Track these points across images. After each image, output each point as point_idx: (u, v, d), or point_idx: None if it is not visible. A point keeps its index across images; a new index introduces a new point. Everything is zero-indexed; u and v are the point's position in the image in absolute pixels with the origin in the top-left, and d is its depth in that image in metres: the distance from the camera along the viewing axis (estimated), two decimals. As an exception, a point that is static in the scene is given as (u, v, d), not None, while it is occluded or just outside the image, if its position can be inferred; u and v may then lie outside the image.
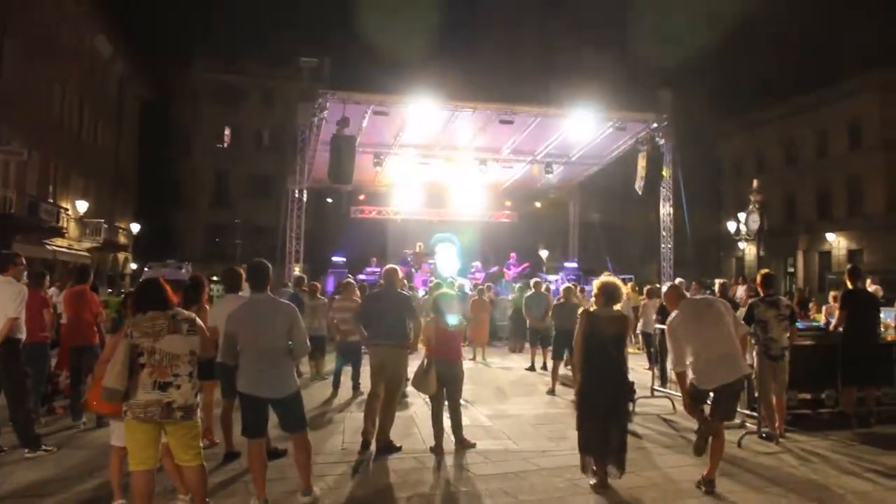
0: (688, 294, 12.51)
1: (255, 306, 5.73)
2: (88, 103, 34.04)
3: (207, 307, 7.34)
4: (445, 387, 7.50)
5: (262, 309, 5.67)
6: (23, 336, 7.50)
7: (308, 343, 5.75)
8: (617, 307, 6.47)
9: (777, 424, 7.91)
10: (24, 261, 7.88)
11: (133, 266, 41.61)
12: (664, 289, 7.28)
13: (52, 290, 12.32)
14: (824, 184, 39.90)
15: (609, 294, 6.32)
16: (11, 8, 24.99)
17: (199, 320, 5.19)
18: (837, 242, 38.43)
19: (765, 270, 8.49)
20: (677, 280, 14.20)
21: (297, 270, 20.82)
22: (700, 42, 46.91)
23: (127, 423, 4.88)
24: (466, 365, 14.81)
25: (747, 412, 8.40)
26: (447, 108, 20.10)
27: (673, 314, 6.43)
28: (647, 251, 35.97)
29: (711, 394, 6.14)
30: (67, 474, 6.51)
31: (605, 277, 6.53)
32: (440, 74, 35.61)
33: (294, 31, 58.32)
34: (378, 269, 23.94)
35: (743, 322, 6.98)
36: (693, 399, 6.18)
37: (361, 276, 22.16)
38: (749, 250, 39.56)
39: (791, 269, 41.88)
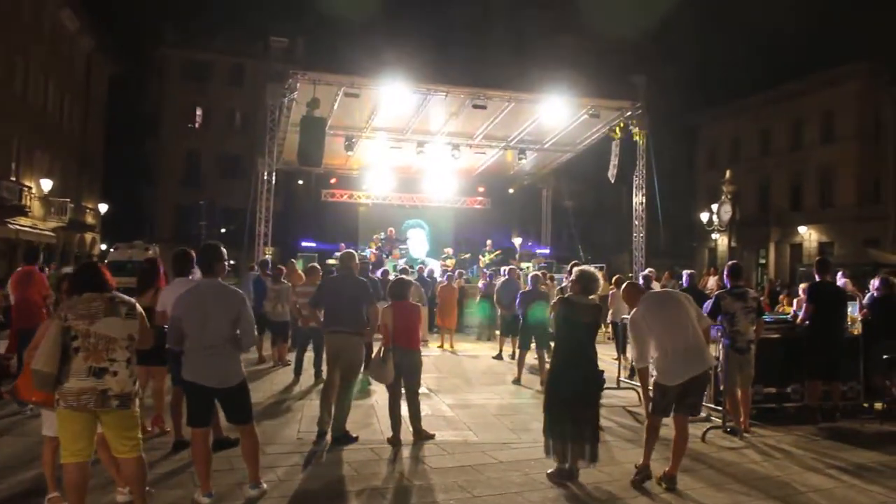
0: (657, 285, 12.52)
1: (202, 291, 5.47)
2: (53, 79, 33.20)
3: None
4: (403, 376, 7.28)
5: (209, 295, 5.40)
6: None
7: (255, 334, 5.49)
8: (593, 297, 6.33)
9: (742, 419, 7.79)
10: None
11: (103, 247, 40.94)
12: (623, 286, 7.11)
13: None
14: (797, 175, 40.08)
15: (586, 283, 6.22)
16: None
17: (138, 305, 4.91)
18: (809, 234, 38.66)
19: (732, 261, 8.35)
20: (647, 270, 14.09)
21: (267, 254, 20.48)
22: (676, 30, 46.98)
23: (59, 412, 4.58)
24: (433, 352, 14.85)
25: (712, 406, 8.28)
26: (420, 91, 19.80)
27: (634, 309, 6.29)
28: (620, 239, 35.96)
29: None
30: (5, 464, 6.22)
31: (584, 266, 6.41)
32: (413, 56, 35.22)
33: (267, 9, 57.57)
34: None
35: (706, 315, 6.82)
36: (655, 406, 6.07)
37: (331, 261, 21.88)
38: (722, 241, 39.65)
39: (763, 261, 42.12)
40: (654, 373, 6.10)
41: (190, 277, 6.75)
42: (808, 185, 39.53)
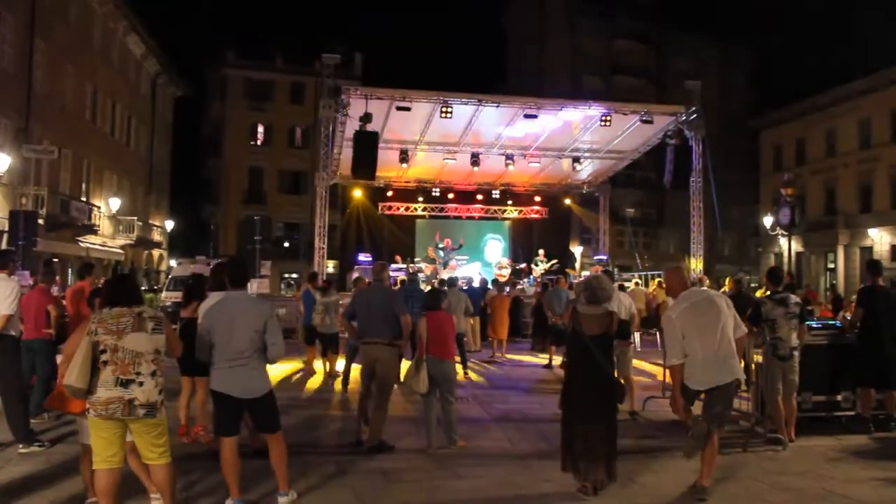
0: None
1: (229, 304, 5.61)
2: (121, 102, 34.48)
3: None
4: (438, 386, 7.32)
5: (236, 307, 5.54)
6: (16, 333, 7.48)
7: (283, 346, 5.58)
8: (610, 305, 6.20)
9: (786, 428, 7.56)
10: (14, 258, 7.89)
11: (172, 262, 42.16)
12: (667, 271, 6.80)
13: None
14: (866, 176, 38.71)
15: (590, 292, 6.02)
16: (42, 9, 25.31)
17: (166, 319, 5.09)
18: (880, 237, 37.26)
19: (772, 266, 8.14)
20: (699, 275, 13.84)
21: (330, 267, 20.85)
22: (738, 31, 46.13)
23: (90, 420, 4.81)
24: (483, 362, 14.85)
25: (756, 414, 8.06)
26: (471, 102, 19.93)
27: (673, 304, 6.10)
28: (683, 248, 35.38)
29: (703, 395, 5.86)
30: (55, 471, 6.46)
31: (594, 273, 6.28)
32: (465, 66, 35.34)
33: (325, 27, 58.55)
34: (402, 268, 23.93)
35: (744, 323, 6.61)
36: (683, 397, 5.88)
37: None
38: (787, 246, 38.67)
39: (832, 265, 40.79)
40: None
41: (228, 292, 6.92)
42: (878, 186, 38.09)
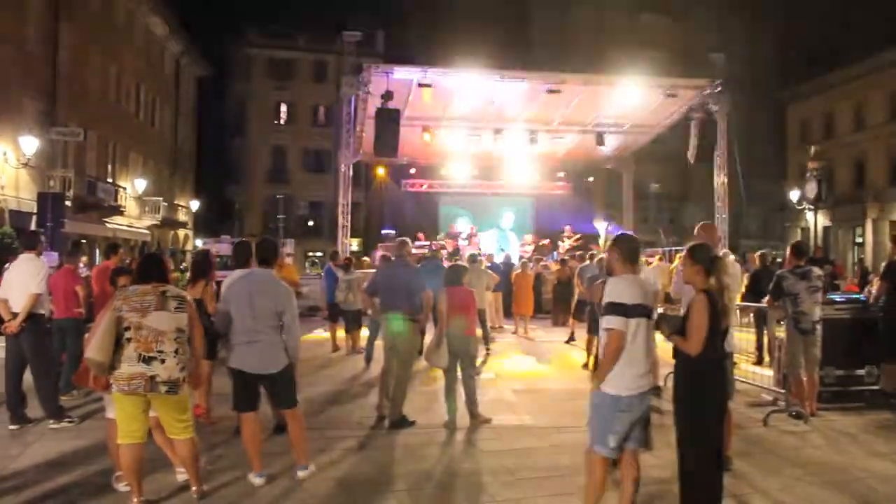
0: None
1: (251, 280, 5.69)
2: (145, 83, 34.74)
3: (213, 283, 7.34)
4: (459, 360, 7.38)
5: (257, 284, 5.61)
6: (45, 311, 7.63)
7: (299, 341, 5.65)
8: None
9: (808, 402, 7.54)
10: (42, 239, 8.03)
11: (198, 242, 42.61)
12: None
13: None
14: (895, 149, 38.06)
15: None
16: (66, -8, 25.53)
17: (189, 298, 5.17)
18: (910, 210, 36.71)
19: (795, 241, 8.06)
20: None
21: (354, 245, 20.93)
22: (766, 2, 45.27)
23: (115, 395, 4.93)
24: (508, 338, 14.90)
25: (776, 389, 8.04)
26: (493, 78, 19.79)
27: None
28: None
29: None
30: (84, 446, 6.61)
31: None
32: (487, 43, 35.10)
33: (347, 4, 58.29)
34: (426, 244, 23.97)
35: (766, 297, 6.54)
36: None
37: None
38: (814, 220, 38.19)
39: (860, 239, 40.21)
40: None
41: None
42: (907, 159, 37.44)
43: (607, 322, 4.38)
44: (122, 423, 4.90)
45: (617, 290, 4.41)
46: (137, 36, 33.99)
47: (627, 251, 4.60)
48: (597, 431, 4.50)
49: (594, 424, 4.53)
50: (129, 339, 4.84)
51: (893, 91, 37.77)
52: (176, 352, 4.90)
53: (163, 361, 4.83)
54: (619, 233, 4.97)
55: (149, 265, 5.23)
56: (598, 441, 4.48)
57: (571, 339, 14.23)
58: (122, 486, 5.28)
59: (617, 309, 4.33)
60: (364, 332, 12.34)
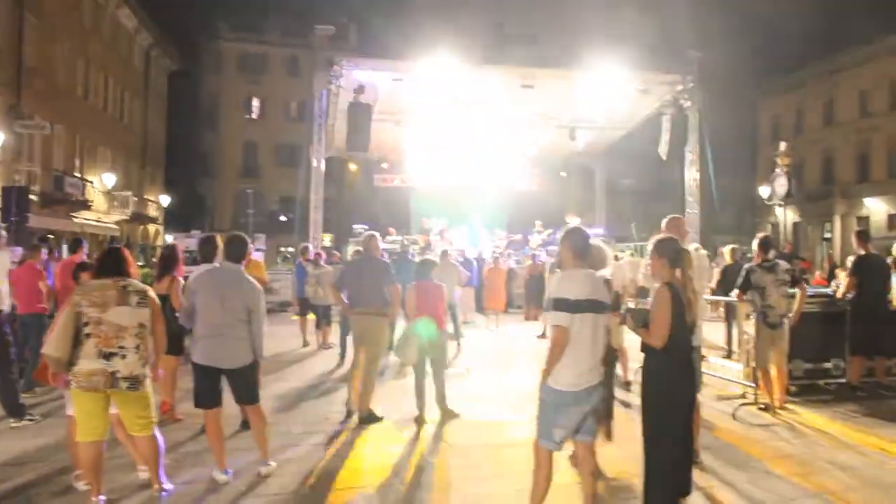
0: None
1: (218, 275, 5.60)
2: (114, 76, 34.16)
3: (180, 278, 7.20)
4: (428, 355, 7.33)
5: (225, 278, 5.53)
6: (6, 307, 7.46)
7: (263, 331, 5.56)
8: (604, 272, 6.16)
9: (777, 395, 7.59)
10: (4, 234, 7.88)
11: (168, 238, 42.05)
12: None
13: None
14: (864, 146, 38.57)
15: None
16: (31, -18, 25.03)
17: (151, 292, 5.05)
18: (877, 207, 37.26)
19: (761, 234, 8.11)
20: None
21: (326, 240, 20.77)
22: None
23: (73, 392, 4.80)
24: (479, 333, 14.88)
25: (745, 382, 8.09)
26: (466, 72, 19.72)
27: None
28: (678, 218, 35.23)
29: None
30: (45, 444, 6.48)
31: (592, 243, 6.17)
32: (460, 37, 34.95)
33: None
34: (397, 239, 23.88)
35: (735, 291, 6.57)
36: None
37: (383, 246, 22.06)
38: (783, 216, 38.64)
39: (828, 235, 40.78)
40: None
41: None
42: (875, 156, 37.95)
43: (551, 318, 4.34)
44: (82, 421, 4.78)
45: (562, 285, 4.36)
46: (106, 28, 33.40)
47: (577, 245, 4.54)
48: (542, 425, 4.50)
49: (540, 418, 4.52)
50: (88, 335, 4.72)
51: (862, 88, 38.33)
52: (137, 347, 4.79)
53: (123, 357, 4.72)
54: (570, 227, 4.93)
55: (110, 259, 5.09)
56: (543, 435, 4.50)
57: (544, 334, 14.24)
58: (81, 485, 5.17)
59: (560, 304, 4.28)
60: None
